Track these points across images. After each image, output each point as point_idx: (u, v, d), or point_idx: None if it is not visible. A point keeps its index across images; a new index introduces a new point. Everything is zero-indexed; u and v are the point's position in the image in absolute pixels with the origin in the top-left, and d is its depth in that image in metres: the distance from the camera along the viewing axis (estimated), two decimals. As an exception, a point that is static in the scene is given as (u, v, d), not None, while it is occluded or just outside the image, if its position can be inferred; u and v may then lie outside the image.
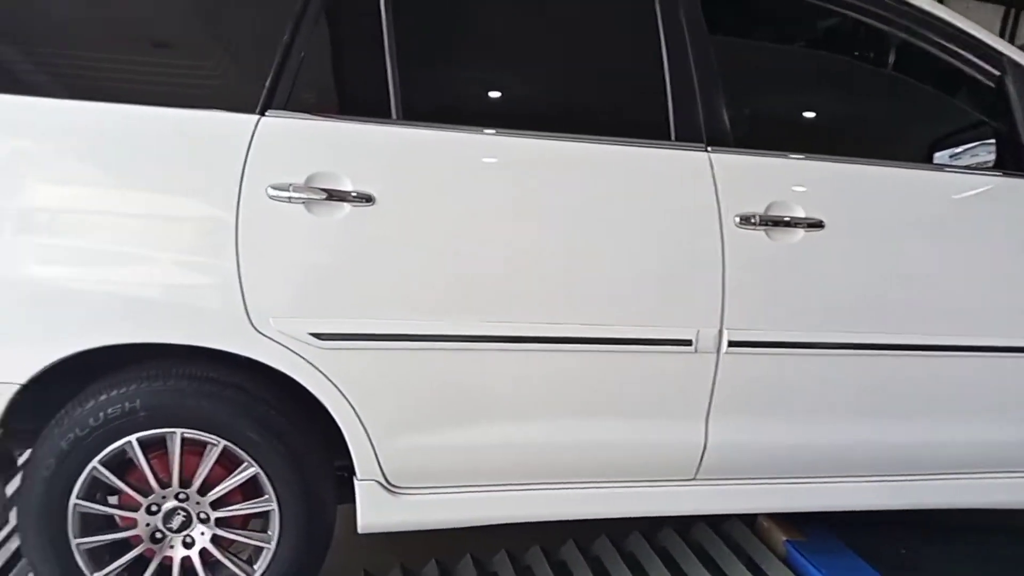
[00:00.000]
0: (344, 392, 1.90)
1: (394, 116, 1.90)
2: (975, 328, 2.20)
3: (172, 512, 1.92)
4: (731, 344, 2.05)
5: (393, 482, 2.01)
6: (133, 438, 1.85)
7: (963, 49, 2.21)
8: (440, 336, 1.91)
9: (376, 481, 1.99)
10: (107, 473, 1.86)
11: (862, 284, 2.10)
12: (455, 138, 1.92)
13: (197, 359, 1.89)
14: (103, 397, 1.83)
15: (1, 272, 1.75)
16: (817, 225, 2.03)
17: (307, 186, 1.82)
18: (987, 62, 2.22)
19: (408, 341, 1.90)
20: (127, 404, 1.84)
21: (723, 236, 2.01)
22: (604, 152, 1.98)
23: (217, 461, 1.90)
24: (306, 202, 1.82)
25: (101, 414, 1.83)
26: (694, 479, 2.18)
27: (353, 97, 1.96)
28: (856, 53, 2.37)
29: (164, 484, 1.91)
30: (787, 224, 2.02)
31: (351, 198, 1.84)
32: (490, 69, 2.08)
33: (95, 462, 1.84)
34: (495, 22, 2.06)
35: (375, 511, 2.01)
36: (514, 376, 1.99)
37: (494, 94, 2.09)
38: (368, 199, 1.84)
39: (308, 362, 1.87)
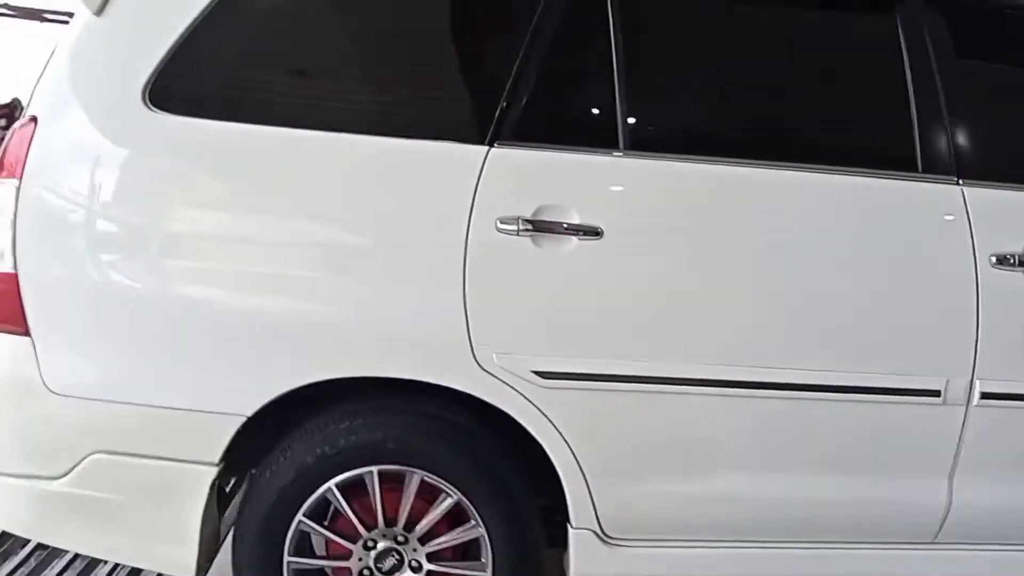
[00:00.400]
0: (564, 435, 1.82)
1: (621, 147, 1.83)
2: None
3: (386, 552, 1.87)
4: (983, 396, 1.85)
5: (608, 532, 1.90)
6: (375, 468, 1.82)
7: None
8: (668, 379, 1.80)
9: (591, 530, 1.89)
10: (339, 497, 1.83)
11: None
12: (686, 169, 1.82)
13: (415, 394, 1.85)
14: (358, 421, 1.82)
15: (236, 302, 1.77)
16: None
17: (535, 219, 1.76)
18: None
19: (634, 383, 1.80)
20: (378, 433, 1.81)
21: (977, 277, 1.83)
22: (848, 184, 1.85)
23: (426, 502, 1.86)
24: (533, 236, 1.77)
25: (353, 437, 1.81)
26: (933, 542, 1.97)
27: (580, 128, 1.90)
28: None
29: (388, 522, 1.87)
30: (1051, 266, 1.83)
31: (578, 231, 1.77)
32: (723, 98, 1.98)
33: (332, 483, 1.81)
34: (726, 51, 1.96)
35: (589, 562, 1.90)
36: (746, 425, 1.86)
37: (726, 124, 1.99)
38: (596, 233, 1.76)
39: (529, 401, 1.80)
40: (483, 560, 1.88)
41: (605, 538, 1.90)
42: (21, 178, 1.74)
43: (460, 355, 1.77)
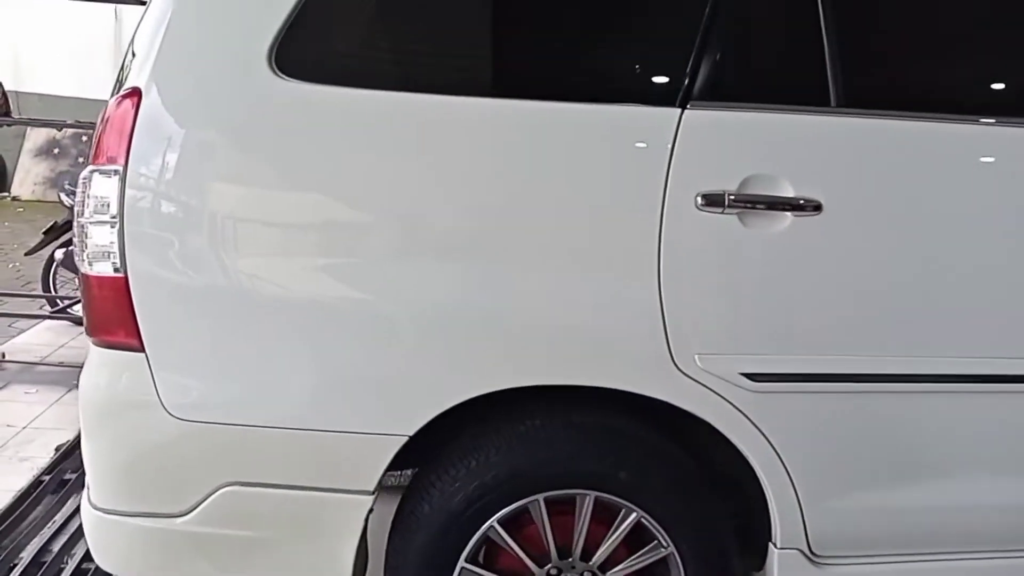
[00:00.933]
0: (774, 444, 1.55)
1: (833, 104, 1.53)
2: None
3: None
4: None
5: (816, 550, 1.65)
6: (541, 497, 1.55)
7: None
8: (900, 376, 1.54)
9: (798, 549, 1.64)
10: (503, 534, 1.57)
11: None
12: (920, 129, 1.53)
13: (581, 402, 1.58)
14: (518, 442, 1.55)
15: (394, 304, 1.48)
16: None
17: (743, 193, 1.48)
18: None
19: (860, 383, 1.54)
20: (541, 455, 1.55)
21: None
22: None
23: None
24: (740, 213, 1.48)
25: (517, 461, 1.54)
26: None
27: (787, 82, 1.59)
28: None
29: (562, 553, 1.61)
30: None
31: (795, 206, 1.48)
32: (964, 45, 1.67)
33: (494, 519, 1.55)
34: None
35: None
36: (983, 425, 1.60)
37: (967, 74, 1.68)
38: (816, 207, 1.48)
39: (735, 407, 1.53)
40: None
41: (813, 557, 1.65)
42: (127, 164, 1.44)
43: (655, 358, 1.50)
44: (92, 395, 1.53)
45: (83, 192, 1.49)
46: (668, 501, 1.58)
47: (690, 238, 1.48)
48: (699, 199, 1.47)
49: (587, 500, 1.55)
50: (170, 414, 1.47)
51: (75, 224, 1.54)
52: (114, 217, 1.45)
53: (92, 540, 1.61)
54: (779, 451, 1.56)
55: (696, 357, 1.50)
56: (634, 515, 1.56)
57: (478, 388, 1.48)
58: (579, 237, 1.50)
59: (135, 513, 1.54)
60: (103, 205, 1.45)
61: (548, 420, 1.58)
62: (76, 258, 1.55)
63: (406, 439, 1.49)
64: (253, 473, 1.51)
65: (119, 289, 1.46)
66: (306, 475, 1.51)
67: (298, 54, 1.44)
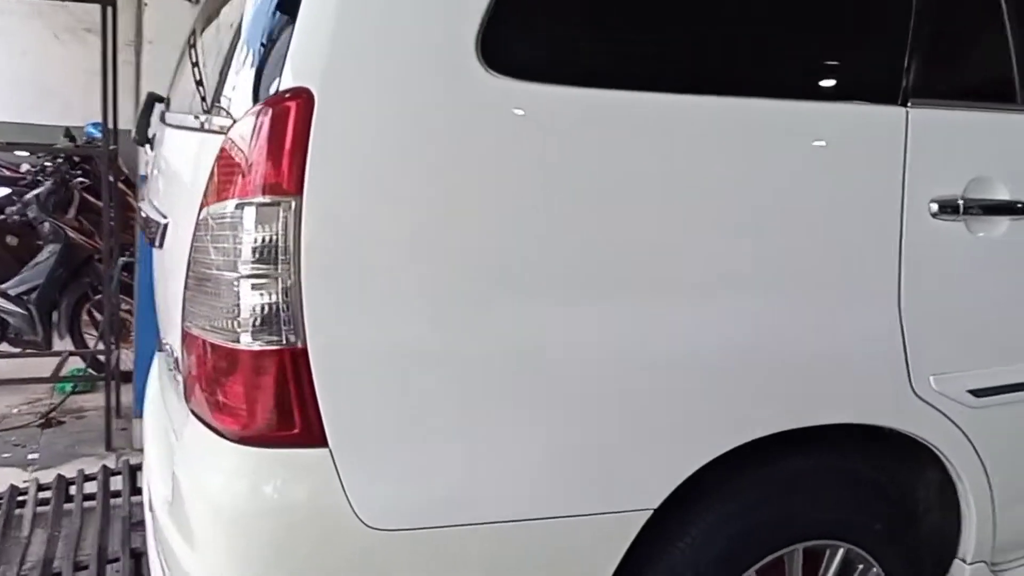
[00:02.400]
0: (983, 458, 1.48)
1: (1019, 101, 1.46)
2: None
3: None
4: None
5: (994, 559, 1.61)
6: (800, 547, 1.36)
7: None
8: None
9: (984, 562, 1.59)
10: None
11: None
12: None
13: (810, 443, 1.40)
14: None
15: (639, 358, 1.20)
16: None
17: (971, 198, 1.37)
18: None
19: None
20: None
21: None
22: None
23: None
24: (967, 220, 1.38)
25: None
26: None
27: (982, 79, 1.49)
28: None
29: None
30: None
31: (1014, 210, 1.40)
32: None
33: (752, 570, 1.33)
34: None
35: None
36: None
37: None
38: (1029, 210, 1.41)
39: (956, 426, 1.43)
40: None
41: (992, 567, 1.61)
42: (301, 194, 1.03)
43: (896, 384, 1.36)
44: (248, 512, 1.10)
45: (212, 237, 1.06)
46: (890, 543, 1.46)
47: (926, 250, 1.35)
48: (933, 206, 1.35)
49: (839, 552, 1.39)
50: (364, 523, 1.09)
51: (196, 280, 1.10)
52: (283, 268, 1.04)
53: None
54: (986, 465, 1.49)
55: (932, 378, 1.38)
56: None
57: (728, 443, 1.25)
58: (819, 255, 1.31)
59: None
60: (266, 252, 1.03)
61: (800, 465, 1.39)
62: (198, 323, 1.10)
63: (651, 513, 1.23)
64: None
65: (295, 366, 1.05)
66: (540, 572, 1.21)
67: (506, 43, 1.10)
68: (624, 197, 1.18)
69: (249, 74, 1.15)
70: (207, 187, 1.11)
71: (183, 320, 1.16)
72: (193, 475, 1.19)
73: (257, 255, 1.04)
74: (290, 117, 1.02)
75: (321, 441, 1.07)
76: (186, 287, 1.14)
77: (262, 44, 1.14)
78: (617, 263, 1.18)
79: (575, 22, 1.19)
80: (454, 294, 1.11)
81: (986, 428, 1.46)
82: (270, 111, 1.03)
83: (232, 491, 1.11)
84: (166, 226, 1.34)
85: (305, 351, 1.05)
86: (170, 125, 1.55)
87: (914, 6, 1.36)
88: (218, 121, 1.19)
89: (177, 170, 1.41)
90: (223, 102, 1.22)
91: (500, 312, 1.13)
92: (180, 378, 1.26)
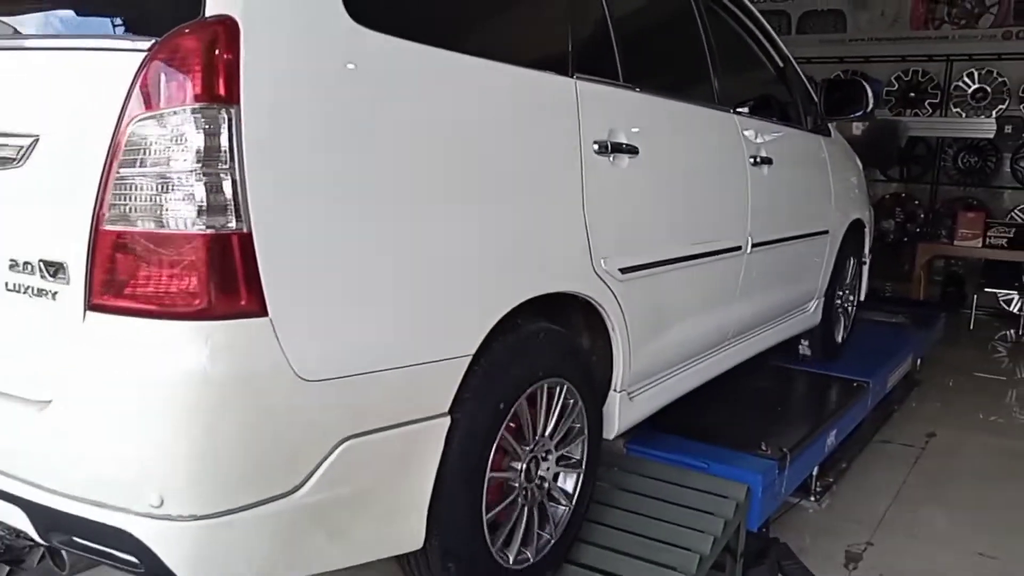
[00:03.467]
0: (625, 314, 2.20)
1: (621, 79, 2.24)
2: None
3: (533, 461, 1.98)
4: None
5: (629, 387, 2.36)
6: (528, 391, 1.89)
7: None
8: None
9: (625, 391, 2.33)
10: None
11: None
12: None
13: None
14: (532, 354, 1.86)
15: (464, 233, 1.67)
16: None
17: (608, 141, 2.09)
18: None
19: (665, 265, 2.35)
20: (534, 360, 1.89)
21: None
22: None
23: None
24: (610, 156, 2.09)
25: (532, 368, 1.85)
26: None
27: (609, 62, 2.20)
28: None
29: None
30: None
31: (629, 150, 2.16)
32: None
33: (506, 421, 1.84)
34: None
35: (620, 417, 2.34)
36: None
37: None
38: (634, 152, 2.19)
39: (613, 293, 2.13)
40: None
41: (629, 394, 2.39)
42: (239, 103, 1.27)
43: (584, 264, 2.03)
44: (198, 377, 1.27)
45: (164, 140, 1.24)
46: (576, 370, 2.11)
47: (593, 174, 2.03)
48: (594, 145, 2.04)
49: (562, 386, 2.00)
50: (299, 377, 1.36)
51: (136, 183, 1.24)
52: (225, 165, 1.26)
53: (187, 559, 1.32)
54: (626, 319, 2.22)
55: (602, 261, 2.07)
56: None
57: (507, 303, 1.78)
58: (540, 177, 1.93)
59: (251, 504, 1.36)
60: (214, 151, 1.25)
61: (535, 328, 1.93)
62: (149, 216, 1.25)
63: (470, 359, 1.69)
64: (363, 422, 1.50)
65: (242, 248, 1.28)
66: (401, 412, 1.57)
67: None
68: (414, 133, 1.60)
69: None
70: (130, 101, 1.27)
71: (100, 224, 1.28)
72: (127, 361, 1.31)
73: (207, 154, 1.25)
74: (224, 38, 1.27)
75: (263, 311, 1.32)
76: (108, 193, 1.27)
77: None
78: (420, 181, 1.60)
79: None
80: (348, 194, 1.45)
81: (627, 293, 2.20)
82: (209, 31, 1.26)
83: (189, 364, 1.28)
84: (34, 142, 1.37)
85: (250, 235, 1.29)
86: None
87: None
88: (118, 43, 1.33)
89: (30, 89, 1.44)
90: (115, 25, 1.35)
91: (377, 210, 1.50)
92: (62, 288, 1.35)
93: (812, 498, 3.36)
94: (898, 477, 3.69)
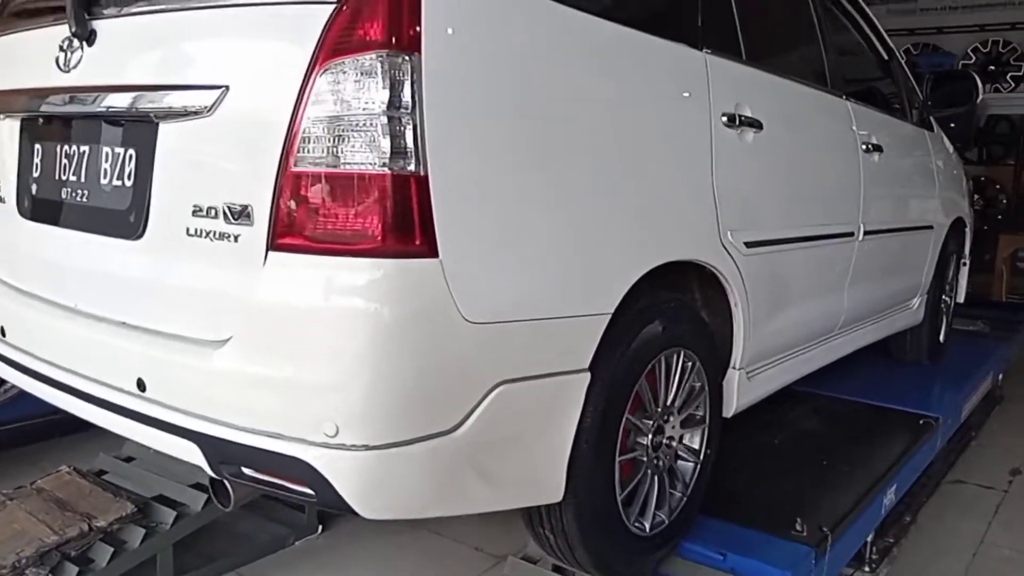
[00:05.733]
0: (747, 289, 2.21)
1: (744, 57, 2.27)
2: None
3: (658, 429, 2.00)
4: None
5: (747, 366, 2.37)
6: (662, 356, 1.93)
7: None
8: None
9: (744, 369, 2.34)
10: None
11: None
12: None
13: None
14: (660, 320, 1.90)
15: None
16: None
17: (736, 114, 2.11)
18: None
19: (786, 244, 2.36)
20: (664, 326, 1.91)
21: None
22: None
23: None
24: (738, 128, 2.12)
25: (659, 334, 1.88)
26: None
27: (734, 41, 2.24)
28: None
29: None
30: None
31: (755, 124, 2.18)
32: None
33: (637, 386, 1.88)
34: None
35: (738, 396, 2.34)
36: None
37: None
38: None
39: (737, 266, 2.14)
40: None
41: (748, 372, 2.39)
42: (421, 52, 1.34)
43: (712, 235, 2.04)
44: (373, 311, 1.34)
45: (351, 86, 1.32)
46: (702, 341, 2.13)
47: (722, 146, 2.06)
48: (723, 117, 2.06)
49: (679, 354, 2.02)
50: (464, 318, 1.41)
51: (329, 124, 1.33)
52: (407, 110, 1.33)
53: (357, 487, 1.38)
54: (748, 295, 2.23)
55: (729, 233, 2.08)
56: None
57: (642, 267, 1.81)
58: (673, 148, 1.96)
59: (416, 439, 1.41)
60: (398, 96, 1.32)
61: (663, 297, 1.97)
62: (333, 158, 1.33)
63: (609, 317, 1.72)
64: (519, 368, 1.54)
65: (419, 190, 1.34)
66: (552, 363, 1.61)
67: None
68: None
69: None
70: (320, 50, 1.35)
71: (287, 167, 1.36)
72: (308, 297, 1.39)
73: (391, 99, 1.32)
74: None
75: (434, 253, 1.37)
76: (297, 137, 1.35)
77: None
78: (579, 141, 1.66)
79: None
80: (516, 146, 1.51)
81: (750, 268, 2.21)
82: None
83: (365, 299, 1.35)
84: (224, 92, 1.46)
85: (427, 178, 1.35)
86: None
87: None
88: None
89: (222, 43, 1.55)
90: None
91: (542, 164, 1.56)
92: (244, 230, 1.44)
93: (867, 568, 2.62)
94: (977, 528, 2.96)
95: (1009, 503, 3.19)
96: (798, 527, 2.10)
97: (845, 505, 2.32)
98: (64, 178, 1.79)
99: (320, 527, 2.68)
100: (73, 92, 1.72)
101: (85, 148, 1.74)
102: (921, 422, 3.05)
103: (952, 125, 3.83)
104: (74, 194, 1.76)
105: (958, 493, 3.29)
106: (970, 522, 2.99)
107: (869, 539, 2.56)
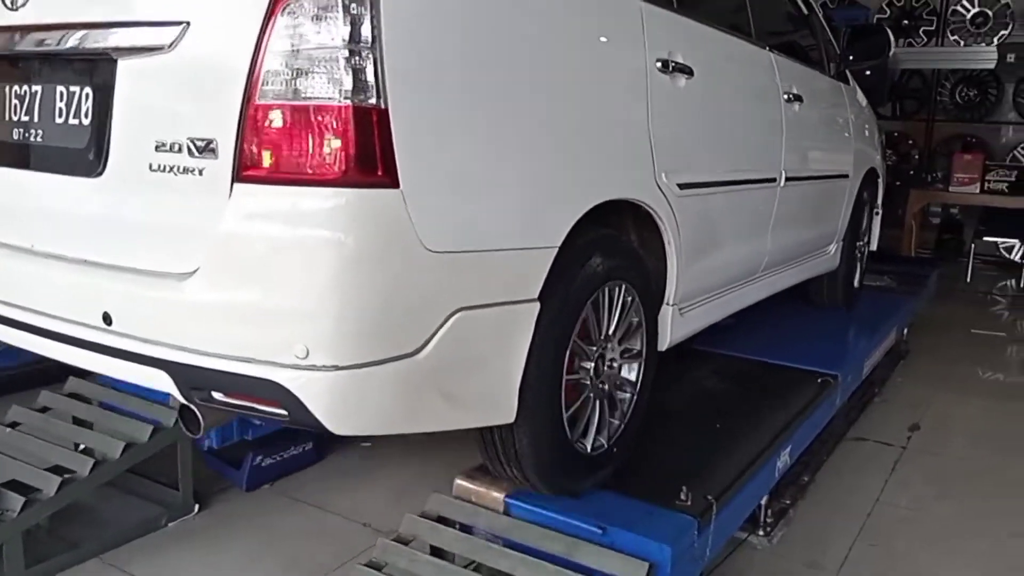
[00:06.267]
0: (680, 227, 2.35)
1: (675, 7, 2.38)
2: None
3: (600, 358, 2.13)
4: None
5: (680, 303, 2.52)
6: (604, 288, 2.05)
7: None
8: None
9: (676, 305, 2.49)
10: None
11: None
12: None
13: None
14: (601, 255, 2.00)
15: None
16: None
17: (669, 60, 2.23)
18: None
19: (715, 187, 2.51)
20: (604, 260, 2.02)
21: None
22: None
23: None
24: (670, 75, 2.24)
25: (600, 267, 2.00)
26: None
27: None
28: None
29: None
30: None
31: (685, 71, 2.30)
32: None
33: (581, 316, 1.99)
34: None
35: (672, 331, 2.49)
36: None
37: None
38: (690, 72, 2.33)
39: (671, 206, 2.27)
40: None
41: (680, 309, 2.55)
42: None
43: (648, 175, 2.17)
44: (338, 239, 1.42)
45: (313, 20, 1.37)
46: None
47: (656, 90, 2.18)
48: (658, 64, 2.18)
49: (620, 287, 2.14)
50: (424, 247, 1.50)
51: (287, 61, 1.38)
52: (368, 45, 1.40)
53: (329, 405, 1.46)
54: (680, 233, 2.37)
55: (663, 175, 2.21)
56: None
57: (587, 203, 1.93)
58: (612, 90, 2.07)
59: (382, 360, 1.50)
60: (358, 31, 1.38)
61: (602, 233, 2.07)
62: (297, 91, 1.39)
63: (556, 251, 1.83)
64: (473, 296, 1.64)
65: (379, 123, 1.42)
66: (503, 292, 1.72)
67: None
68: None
69: None
70: None
71: (251, 100, 1.42)
72: (274, 226, 1.46)
73: (352, 33, 1.39)
74: None
75: (395, 183, 1.45)
76: (260, 70, 1.41)
77: None
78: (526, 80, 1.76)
79: None
80: (472, 83, 1.60)
81: (682, 208, 2.35)
82: None
83: (330, 227, 1.42)
84: (185, 27, 1.50)
85: (387, 111, 1.43)
86: None
87: None
88: None
89: None
90: None
91: (493, 99, 1.66)
92: (209, 163, 1.49)
93: (761, 532, 2.59)
94: (874, 485, 3.00)
95: (907, 460, 3.24)
96: (683, 496, 2.04)
97: (734, 471, 2.26)
98: (15, 119, 1.79)
99: (196, 507, 2.61)
100: (22, 31, 1.72)
101: (37, 88, 1.74)
102: (819, 380, 3.00)
103: (867, 74, 4.04)
104: (27, 134, 1.77)
105: (858, 450, 3.33)
106: (867, 479, 3.03)
107: (763, 502, 2.54)
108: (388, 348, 1.51)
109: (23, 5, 1.70)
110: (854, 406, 3.63)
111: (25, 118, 1.77)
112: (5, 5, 1.72)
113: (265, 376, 1.47)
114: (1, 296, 1.83)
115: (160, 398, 2.29)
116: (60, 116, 1.70)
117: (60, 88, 1.70)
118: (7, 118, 1.80)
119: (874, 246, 4.66)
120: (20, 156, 1.80)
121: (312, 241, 1.44)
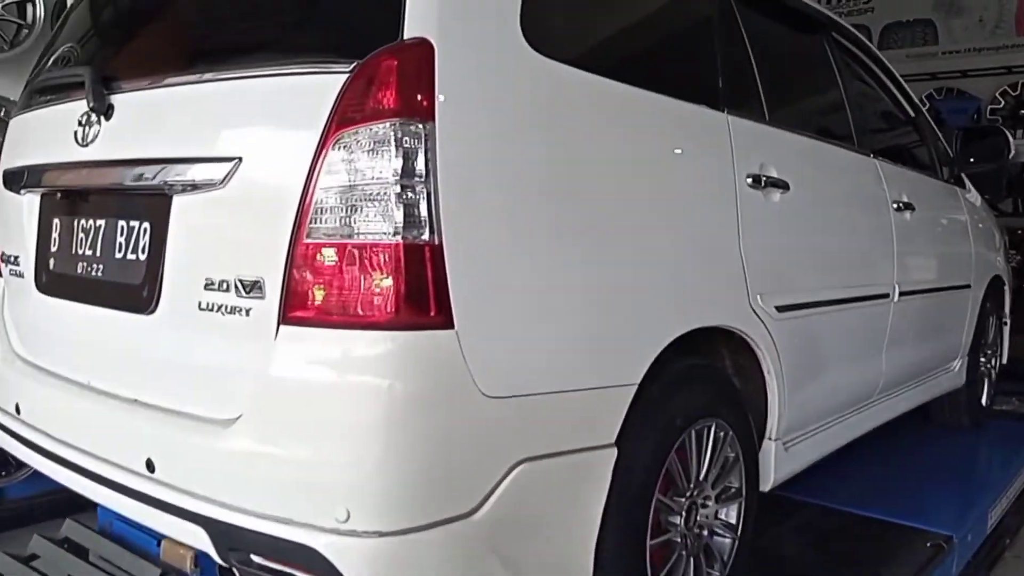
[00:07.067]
0: (780, 353, 2.12)
1: (767, 120, 2.23)
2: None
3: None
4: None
5: (784, 436, 2.26)
6: (693, 429, 1.83)
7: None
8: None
9: (780, 440, 2.23)
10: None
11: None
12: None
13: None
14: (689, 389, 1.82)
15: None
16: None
17: (761, 175, 2.06)
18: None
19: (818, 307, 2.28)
20: (693, 396, 1.83)
21: None
22: None
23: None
24: (762, 190, 2.06)
25: (689, 403, 1.79)
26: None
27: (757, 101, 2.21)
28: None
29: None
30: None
31: (780, 185, 2.12)
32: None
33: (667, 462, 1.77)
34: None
35: (775, 468, 2.23)
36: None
37: None
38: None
39: (768, 330, 2.05)
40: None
41: (784, 443, 2.28)
42: (435, 120, 1.31)
43: (741, 300, 1.97)
44: (387, 386, 1.28)
45: (365, 154, 1.28)
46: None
47: (748, 208, 2.00)
48: (748, 179, 2.01)
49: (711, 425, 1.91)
50: (482, 392, 1.35)
51: (342, 193, 1.30)
52: (421, 179, 1.29)
53: None
54: (781, 360, 2.14)
55: (758, 297, 2.00)
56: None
57: (671, 334, 1.74)
58: (699, 214, 1.91)
59: (432, 524, 1.33)
60: (411, 165, 1.28)
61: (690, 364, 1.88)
62: (347, 228, 1.30)
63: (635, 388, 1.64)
64: (541, 445, 1.47)
65: (433, 260, 1.29)
66: (575, 438, 1.53)
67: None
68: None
69: (349, 25, 1.42)
70: (334, 119, 1.32)
71: (299, 238, 1.33)
72: (319, 372, 1.34)
73: (404, 167, 1.29)
74: (422, 58, 1.32)
75: (450, 324, 1.32)
76: (310, 207, 1.32)
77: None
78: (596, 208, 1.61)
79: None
80: (531, 215, 1.47)
81: (782, 332, 2.12)
82: (409, 52, 1.32)
83: (379, 373, 1.29)
84: (237, 163, 1.44)
85: (441, 247, 1.30)
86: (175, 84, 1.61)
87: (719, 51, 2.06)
88: (321, 67, 1.39)
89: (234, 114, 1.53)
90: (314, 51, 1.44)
91: (558, 232, 1.52)
92: (256, 304, 1.39)
93: None
94: None
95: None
96: None
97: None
98: (80, 252, 1.77)
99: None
100: (90, 167, 1.72)
101: (101, 222, 1.72)
102: (928, 544, 2.44)
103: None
104: (89, 268, 1.74)
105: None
106: None
107: None
108: (440, 510, 1.34)
109: (93, 141, 1.70)
110: (979, 566, 2.79)
111: (89, 252, 1.74)
112: (77, 141, 1.73)
113: (302, 541, 1.32)
114: (52, 430, 1.78)
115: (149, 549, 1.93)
116: (120, 251, 1.66)
117: (121, 223, 1.67)
118: (74, 251, 1.79)
119: (1004, 359, 4.23)
120: (84, 290, 1.77)
121: (357, 388, 1.31)
